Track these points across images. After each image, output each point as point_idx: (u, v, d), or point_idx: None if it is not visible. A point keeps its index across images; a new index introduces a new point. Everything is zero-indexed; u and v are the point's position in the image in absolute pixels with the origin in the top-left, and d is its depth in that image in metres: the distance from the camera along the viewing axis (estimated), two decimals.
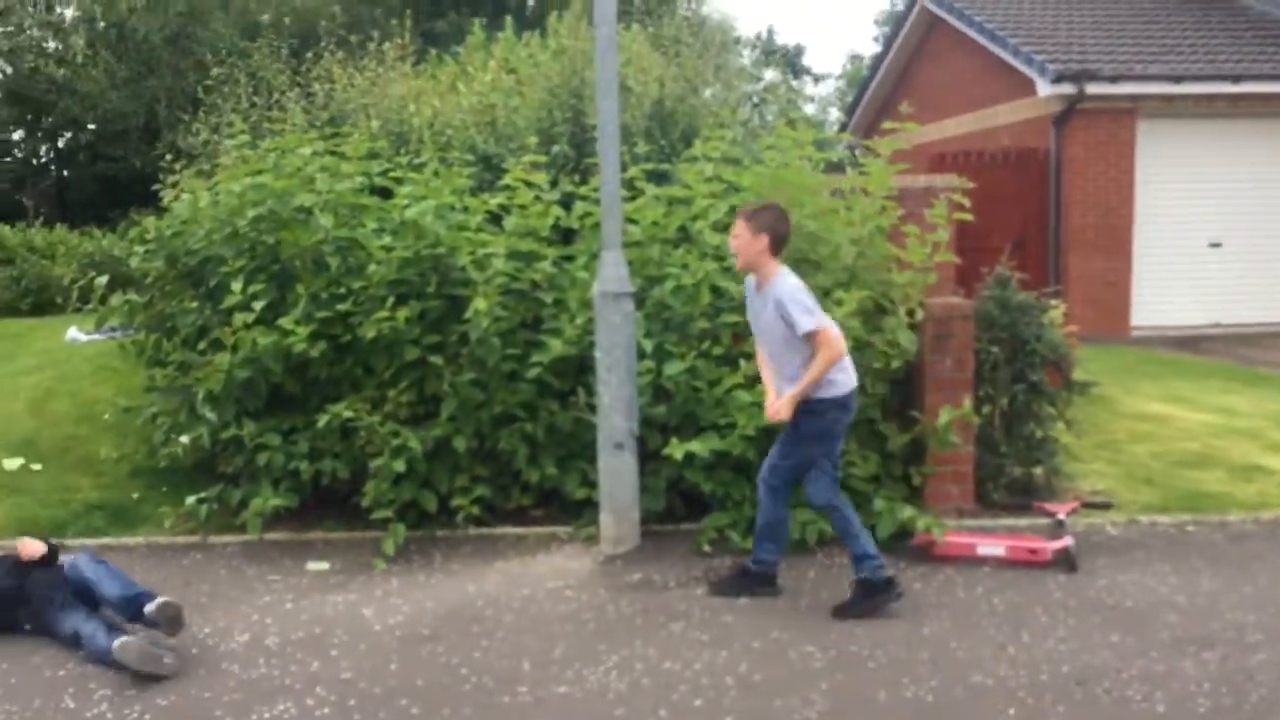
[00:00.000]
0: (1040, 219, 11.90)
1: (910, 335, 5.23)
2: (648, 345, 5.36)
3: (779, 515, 4.55)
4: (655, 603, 4.53)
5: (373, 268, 5.61)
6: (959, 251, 5.66)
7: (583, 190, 6.17)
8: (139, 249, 6.25)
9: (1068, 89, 11.29)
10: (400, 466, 5.31)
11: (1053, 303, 5.94)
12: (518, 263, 5.74)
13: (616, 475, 5.18)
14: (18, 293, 12.61)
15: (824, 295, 5.38)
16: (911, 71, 15.77)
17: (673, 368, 5.28)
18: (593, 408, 5.43)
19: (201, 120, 9.52)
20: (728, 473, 5.35)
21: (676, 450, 5.09)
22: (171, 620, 4.12)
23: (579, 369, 5.67)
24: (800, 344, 4.23)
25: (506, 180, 6.01)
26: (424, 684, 3.81)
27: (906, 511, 4.98)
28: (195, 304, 5.95)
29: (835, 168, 8.17)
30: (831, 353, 4.18)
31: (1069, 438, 5.97)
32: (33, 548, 4.52)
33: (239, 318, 5.56)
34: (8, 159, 17.96)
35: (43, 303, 12.44)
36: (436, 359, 5.49)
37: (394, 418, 5.54)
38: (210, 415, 5.72)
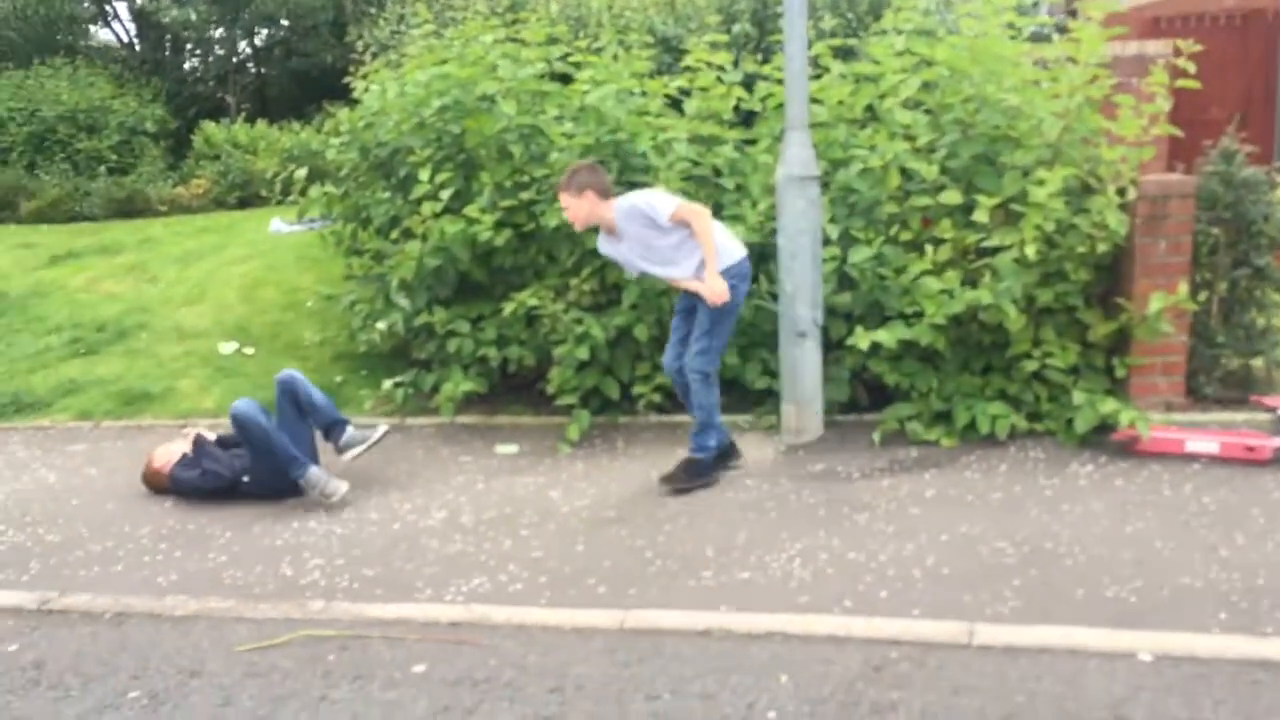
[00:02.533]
0: (1267, 87, 10.77)
1: (1120, 216, 4.85)
2: (833, 231, 5.19)
3: (714, 400, 4.70)
4: (839, 493, 4.47)
5: (555, 155, 5.61)
6: (1175, 124, 5.16)
7: (765, 70, 5.94)
8: (334, 141, 6.46)
9: None
10: (584, 354, 5.38)
11: None
12: (699, 147, 5.62)
13: (799, 365, 5.09)
14: (225, 187, 13.33)
15: (1024, 175, 5.06)
16: None
17: (859, 254, 5.10)
18: (774, 296, 5.33)
19: (387, 12, 9.65)
20: (914, 362, 5.18)
21: (862, 339, 4.95)
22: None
23: (760, 256, 5.56)
24: (673, 235, 4.51)
25: (687, 62, 5.85)
26: (610, 565, 3.91)
27: (1109, 404, 4.70)
28: (387, 194, 6.13)
29: (1040, 36, 7.59)
30: (698, 214, 4.45)
31: None
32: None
33: (427, 207, 5.69)
34: (210, 57, 18.83)
35: (248, 196, 13.12)
36: None
37: (577, 305, 5.60)
38: (403, 302, 5.93)
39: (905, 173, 5.31)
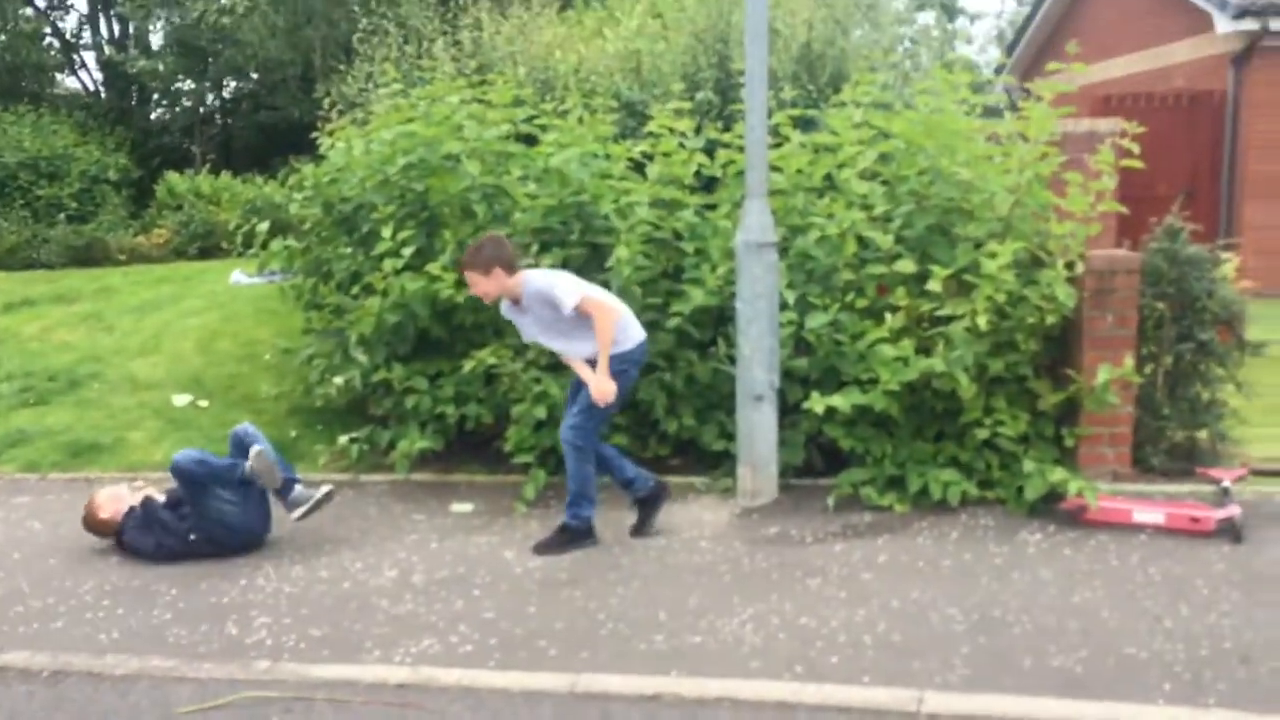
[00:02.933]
0: (1213, 166, 11.13)
1: (1068, 289, 4.97)
2: (790, 296, 5.27)
3: (588, 473, 4.75)
4: (792, 557, 4.48)
5: (518, 215, 5.67)
6: (1123, 201, 5.33)
7: (727, 137, 6.06)
8: (297, 196, 6.48)
9: (1250, 25, 10.45)
10: (541, 413, 5.39)
11: (1225, 256, 5.54)
12: (660, 211, 5.70)
13: (755, 428, 5.13)
14: (186, 237, 13.27)
15: (976, 247, 5.18)
16: (1076, 8, 14.90)
17: (815, 319, 5.18)
18: (732, 359, 5.38)
19: (356, 70, 9.75)
20: (868, 428, 5.24)
21: (817, 404, 5.00)
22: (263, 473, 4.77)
23: (718, 319, 5.63)
24: (577, 320, 4.55)
25: (651, 127, 5.96)
26: (562, 627, 3.88)
27: (1057, 473, 4.78)
28: (349, 249, 6.14)
29: (992, 112, 7.81)
30: (604, 312, 4.51)
31: (1238, 400, 5.60)
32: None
33: (389, 263, 5.70)
34: (177, 108, 18.85)
35: (209, 247, 13.07)
36: None
37: (535, 365, 5.62)
38: (362, 358, 5.92)
39: (861, 241, 5.42)
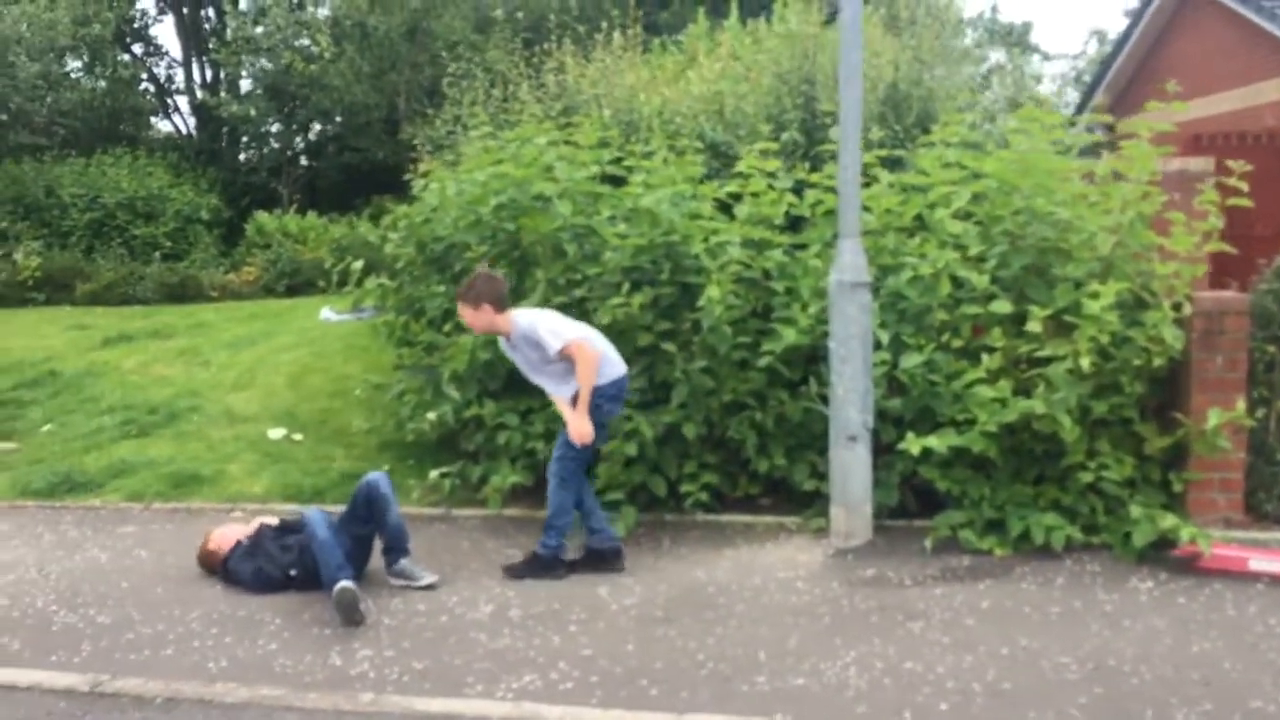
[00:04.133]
0: None
1: (1175, 331, 4.86)
2: (883, 336, 5.23)
3: (563, 504, 4.90)
4: (892, 600, 4.42)
5: (608, 254, 5.73)
6: (1222, 240, 5.22)
7: (815, 178, 6.08)
8: (392, 235, 6.63)
9: None
10: (632, 450, 5.41)
11: None
12: (750, 250, 5.72)
13: (849, 468, 5.09)
14: (275, 275, 13.65)
15: (1075, 287, 5.10)
16: (1161, 46, 14.66)
17: (910, 360, 5.13)
18: (824, 398, 5.36)
19: (445, 113, 9.98)
20: (965, 469, 5.16)
21: (913, 445, 4.94)
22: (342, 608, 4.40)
23: (809, 358, 5.61)
24: (560, 363, 4.76)
25: (740, 167, 6.00)
26: (661, 666, 3.86)
27: (1168, 519, 4.64)
28: (442, 288, 6.25)
29: (1086, 152, 7.72)
30: (585, 358, 4.69)
31: None
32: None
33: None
34: (265, 150, 19.45)
35: (296, 285, 13.42)
36: (669, 345, 5.55)
37: (626, 403, 5.64)
38: (454, 394, 6.01)
39: (956, 281, 5.37)
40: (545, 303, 5.68)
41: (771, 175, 5.98)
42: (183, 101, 19.89)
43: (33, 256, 13.95)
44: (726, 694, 3.62)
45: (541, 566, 4.89)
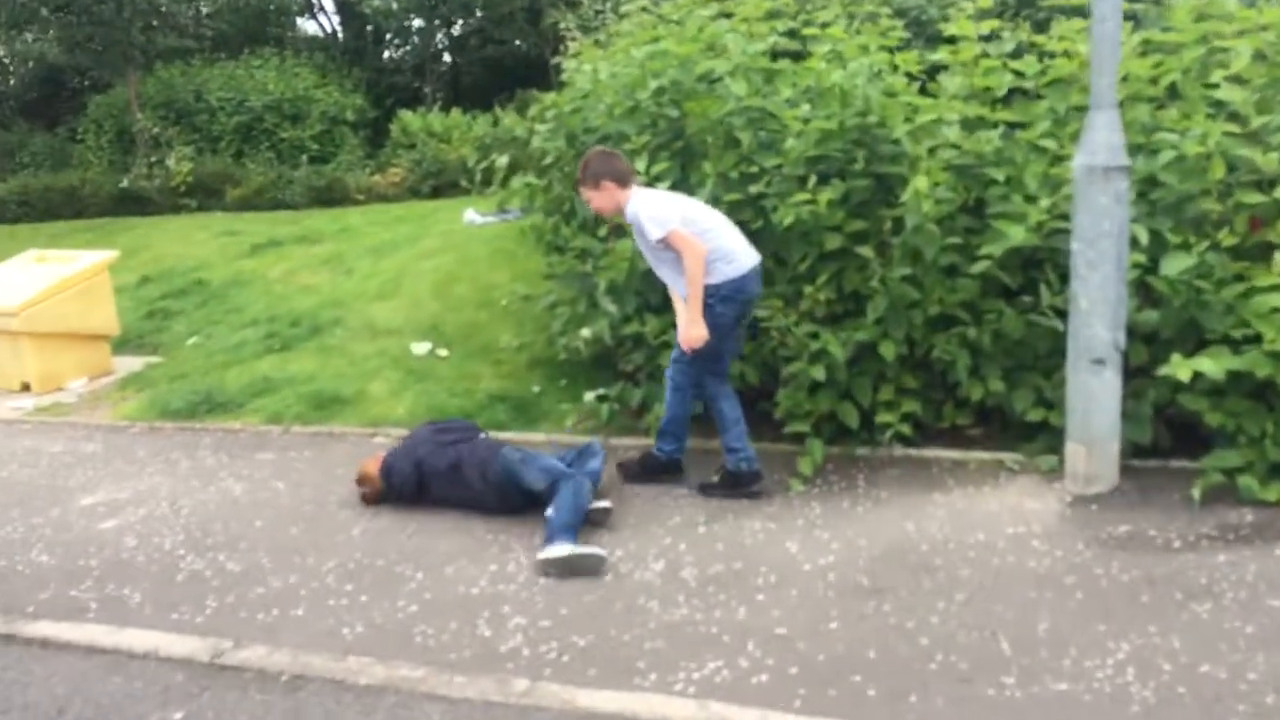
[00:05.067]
0: None
1: None
2: (1141, 234, 4.21)
3: (681, 411, 4.58)
4: (1160, 569, 3.53)
5: (789, 142, 4.84)
6: None
7: (1039, 40, 5.00)
8: (539, 128, 5.89)
9: None
10: (819, 374, 4.59)
11: None
12: (963, 132, 4.74)
13: (1093, 397, 4.15)
14: (420, 175, 13.18)
15: None
16: None
17: (1175, 263, 4.11)
18: (1055, 310, 4.41)
19: None
20: (1242, 400, 4.16)
21: (1180, 369, 3.97)
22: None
23: (1033, 262, 4.65)
24: (670, 256, 4.27)
25: (950, 30, 4.96)
26: (876, 656, 3.12)
27: None
28: None
29: None
30: (690, 250, 4.17)
31: None
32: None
33: None
34: (409, 47, 18.94)
35: (441, 185, 12.93)
36: (864, 249, 4.66)
37: (811, 317, 4.82)
38: (611, 308, 5.30)
39: (1229, 162, 4.28)
40: (714, 202, 4.86)
41: (988, 38, 4.92)
42: (327, 1, 19.53)
43: (184, 162, 13.89)
44: (966, 700, 2.86)
45: (664, 469, 4.67)
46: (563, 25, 7.93)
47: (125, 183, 14.01)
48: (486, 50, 17.78)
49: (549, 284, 6.14)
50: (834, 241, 4.74)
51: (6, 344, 6.97)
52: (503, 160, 5.95)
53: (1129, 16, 5.43)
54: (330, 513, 4.58)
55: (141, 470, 5.35)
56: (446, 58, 19.28)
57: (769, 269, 5.04)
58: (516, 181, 5.95)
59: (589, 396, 5.55)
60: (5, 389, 7.09)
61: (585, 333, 5.46)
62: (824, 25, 5.46)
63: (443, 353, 6.72)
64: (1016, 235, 4.31)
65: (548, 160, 5.88)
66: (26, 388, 7.02)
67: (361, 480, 4.71)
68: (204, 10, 16.88)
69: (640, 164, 5.03)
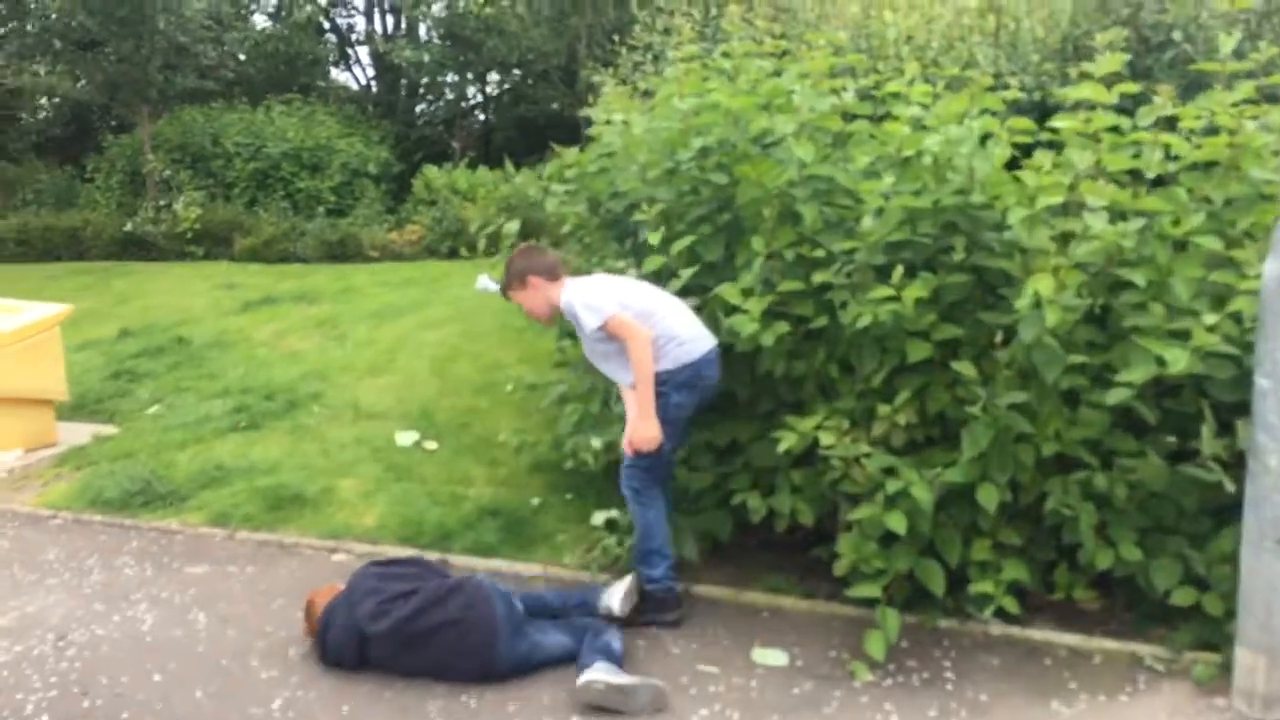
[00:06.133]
0: None
1: None
2: None
3: (650, 520, 3.85)
4: None
5: (866, 222, 3.83)
6: None
7: (1188, 111, 3.99)
8: (556, 189, 4.93)
9: None
10: (898, 524, 3.52)
11: None
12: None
13: (1278, 590, 3.06)
14: (439, 234, 12.32)
15: None
16: None
17: None
18: (1220, 462, 3.34)
19: (635, 39, 8.15)
20: None
21: None
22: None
23: (1165, 390, 3.60)
24: (614, 348, 3.78)
25: (1076, 93, 3.95)
26: None
27: None
28: (621, 263, 4.52)
29: None
30: (633, 335, 3.69)
31: None
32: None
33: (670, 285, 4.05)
34: (441, 101, 18.29)
35: (459, 245, 12.05)
36: (961, 364, 3.62)
37: (886, 445, 3.76)
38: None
39: None
40: (765, 288, 3.86)
41: (1124, 108, 3.91)
42: (364, 52, 18.95)
43: (192, 208, 13.11)
44: None
45: (655, 607, 3.84)
46: (596, 79, 7.05)
47: (130, 226, 13.25)
48: (520, 109, 17.08)
49: (560, 373, 5.14)
50: (920, 351, 3.70)
51: None
52: (512, 225, 4.98)
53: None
54: (252, 671, 3.53)
55: (41, 582, 4.33)
56: (479, 115, 18.64)
57: (830, 379, 4.02)
58: None
59: (597, 519, 4.52)
60: None
61: (596, 442, 4.44)
62: (910, 82, 4.47)
63: (431, 445, 5.70)
64: (1177, 361, 3.24)
65: (565, 229, 4.92)
66: None
67: (308, 613, 3.68)
68: (230, 51, 16.26)
69: (654, 237, 4.07)
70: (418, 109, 18.84)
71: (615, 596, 3.73)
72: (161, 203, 13.53)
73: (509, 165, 5.42)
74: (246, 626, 3.86)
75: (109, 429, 6.55)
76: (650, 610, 3.84)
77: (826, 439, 3.67)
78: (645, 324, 3.72)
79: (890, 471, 3.63)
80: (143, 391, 7.17)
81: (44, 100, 18.70)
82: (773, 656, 3.59)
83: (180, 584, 4.29)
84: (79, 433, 6.47)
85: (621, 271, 4.48)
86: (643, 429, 3.70)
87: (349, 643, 3.47)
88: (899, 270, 3.62)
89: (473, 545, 4.50)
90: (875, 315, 3.63)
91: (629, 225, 4.68)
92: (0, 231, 13.53)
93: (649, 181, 4.48)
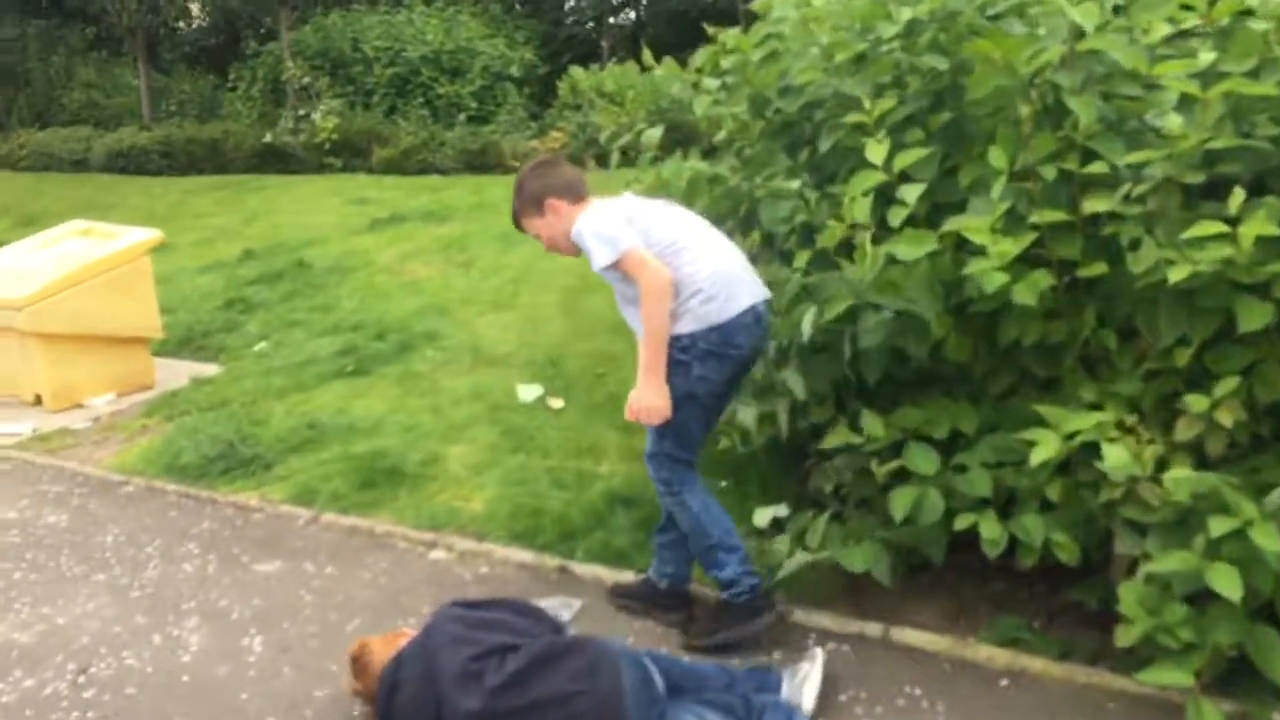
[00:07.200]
0: None
1: None
2: None
3: (698, 517, 2.97)
4: None
5: (1172, 120, 2.54)
6: None
7: None
8: (709, 84, 3.77)
9: None
10: (1229, 586, 2.30)
11: None
12: None
13: None
14: (583, 141, 11.33)
15: None
16: None
17: None
18: None
19: None
20: None
21: None
22: None
23: None
24: (632, 291, 2.82)
25: None
26: None
27: None
28: (795, 182, 3.35)
29: None
30: (646, 277, 2.76)
31: None
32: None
33: (857, 209, 2.86)
34: None
35: (606, 153, 11.00)
36: None
37: (1193, 453, 2.54)
38: (794, 382, 3.17)
39: None
40: (1010, 222, 2.65)
41: None
42: None
43: (330, 118, 12.46)
44: None
45: (737, 617, 2.98)
46: None
47: (269, 137, 12.74)
48: (672, 1, 15.72)
49: None
50: (1256, 315, 2.44)
51: (15, 344, 5.42)
52: (653, 133, 3.87)
53: None
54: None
55: (87, 578, 3.60)
56: (630, 11, 17.37)
57: (1099, 351, 2.80)
58: (671, 165, 3.85)
59: (760, 518, 3.46)
60: (18, 400, 5.57)
61: (746, 418, 3.35)
62: None
63: (557, 403, 4.74)
64: None
65: (720, 135, 3.77)
66: (39, 400, 5.47)
67: (356, 663, 2.77)
68: None
69: (873, 149, 2.86)
70: (565, 6, 17.71)
71: (806, 685, 2.68)
72: (300, 112, 12.94)
73: (647, 54, 4.25)
74: (308, 663, 3.01)
75: (210, 369, 5.87)
76: (732, 622, 2.97)
77: (1114, 456, 2.46)
78: (671, 266, 2.81)
79: (1205, 498, 2.41)
80: (252, 325, 6.48)
81: (196, 9, 18.46)
82: None
83: (243, 589, 3.47)
84: (178, 373, 5.82)
85: (793, 195, 3.33)
86: (645, 396, 2.83)
87: (426, 708, 2.55)
88: (1238, 193, 2.35)
89: (600, 549, 3.52)
90: (1190, 262, 2.39)
91: (803, 129, 3.51)
92: (145, 143, 13.24)
93: (833, 70, 3.28)
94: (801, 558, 3.08)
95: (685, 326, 2.85)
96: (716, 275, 2.87)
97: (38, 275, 5.28)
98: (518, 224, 3.13)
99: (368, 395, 5.09)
